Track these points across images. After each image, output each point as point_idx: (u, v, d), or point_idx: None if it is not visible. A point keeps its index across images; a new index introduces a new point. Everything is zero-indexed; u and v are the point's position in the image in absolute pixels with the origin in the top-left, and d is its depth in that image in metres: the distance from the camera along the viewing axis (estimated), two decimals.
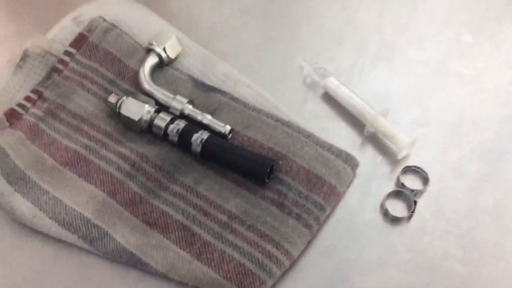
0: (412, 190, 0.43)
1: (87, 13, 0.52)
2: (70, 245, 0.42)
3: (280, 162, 0.43)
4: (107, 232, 0.41)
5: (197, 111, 0.46)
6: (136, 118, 0.44)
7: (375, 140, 0.47)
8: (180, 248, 0.40)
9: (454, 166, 0.45)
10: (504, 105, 0.48)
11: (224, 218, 0.41)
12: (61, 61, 0.49)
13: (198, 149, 0.43)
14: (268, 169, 0.42)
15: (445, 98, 0.49)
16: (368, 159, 0.46)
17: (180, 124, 0.44)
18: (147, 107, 0.45)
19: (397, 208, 0.43)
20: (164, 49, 0.48)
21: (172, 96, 0.46)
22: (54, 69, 0.49)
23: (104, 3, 0.53)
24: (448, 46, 0.52)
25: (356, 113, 0.47)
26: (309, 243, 0.41)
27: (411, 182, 0.44)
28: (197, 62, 0.50)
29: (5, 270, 0.41)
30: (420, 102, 0.49)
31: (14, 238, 0.42)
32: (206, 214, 0.41)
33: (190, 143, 0.43)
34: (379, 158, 0.46)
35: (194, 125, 0.45)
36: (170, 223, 0.41)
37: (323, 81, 0.49)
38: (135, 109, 0.45)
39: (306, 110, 0.49)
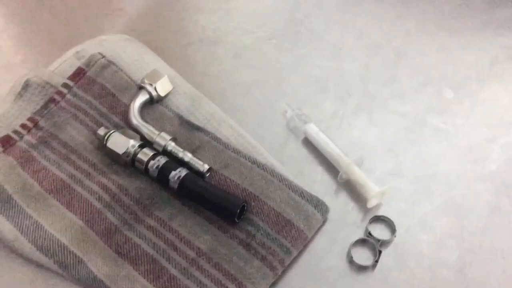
0: (378, 240, 0.45)
1: (88, 48, 0.55)
2: (48, 268, 0.44)
3: (252, 203, 0.45)
4: (81, 259, 0.43)
5: (179, 148, 0.48)
6: (121, 152, 0.47)
7: (349, 188, 0.48)
8: (147, 280, 0.42)
9: (422, 219, 0.46)
10: (477, 163, 0.49)
11: (192, 254, 0.43)
12: (59, 93, 0.52)
13: (175, 185, 0.45)
14: (239, 210, 0.44)
15: (420, 151, 0.51)
16: (339, 206, 0.48)
17: (161, 160, 0.46)
18: (131, 142, 0.47)
19: (363, 256, 0.45)
20: (155, 87, 0.51)
21: (157, 132, 0.49)
22: (52, 100, 0.52)
23: (105, 40, 0.56)
24: (429, 100, 0.54)
25: (332, 159, 0.49)
26: (273, 285, 0.43)
27: (379, 231, 0.46)
28: (186, 101, 0.53)
29: None
30: (395, 154, 0.50)
31: None
32: (175, 249, 0.43)
33: (168, 179, 0.45)
34: (351, 205, 0.48)
35: (175, 162, 0.47)
36: (140, 255, 0.43)
37: (303, 126, 0.51)
38: (121, 143, 0.47)
39: (285, 153, 0.51)
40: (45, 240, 0.44)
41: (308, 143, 0.51)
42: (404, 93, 0.55)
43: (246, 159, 0.48)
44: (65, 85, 0.52)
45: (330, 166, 0.50)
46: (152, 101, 0.52)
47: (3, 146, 0.49)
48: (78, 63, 0.54)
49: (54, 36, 0.61)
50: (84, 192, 0.46)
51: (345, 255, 0.45)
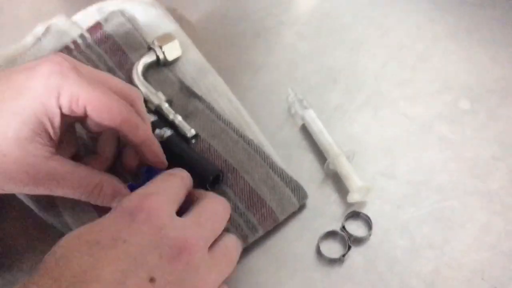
0: (351, 235, 0.42)
1: (111, 5, 0.56)
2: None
3: (229, 175, 0.44)
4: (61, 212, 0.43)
5: (171, 110, 0.48)
6: None
7: (335, 180, 0.46)
8: None
9: (403, 224, 0.44)
10: (478, 178, 0.46)
11: None
12: (74, 42, 0.54)
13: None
14: (212, 177, 0.43)
15: (419, 157, 0.48)
16: (321, 196, 0.46)
17: (150, 118, 0.46)
18: None
19: (332, 249, 0.43)
20: (162, 50, 0.52)
21: (154, 91, 0.49)
22: (66, 47, 0.54)
23: (130, 1, 0.57)
24: (441, 108, 0.51)
25: (323, 148, 0.47)
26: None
27: (355, 227, 0.44)
28: (193, 70, 0.53)
29: None
30: (392, 155, 0.48)
31: None
32: None
33: None
34: (333, 198, 0.46)
35: (165, 123, 0.47)
36: None
37: (302, 112, 0.50)
38: None
39: (280, 136, 0.50)
40: None
41: (305, 131, 0.50)
42: (417, 97, 0.52)
43: (234, 131, 0.47)
44: (81, 36, 0.54)
45: (322, 156, 0.48)
46: (159, 63, 0.52)
47: None
48: (98, 17, 0.55)
49: None
50: None
51: (314, 246, 0.43)
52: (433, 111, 0.51)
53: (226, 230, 0.41)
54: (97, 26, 0.54)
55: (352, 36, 0.57)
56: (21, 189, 0.38)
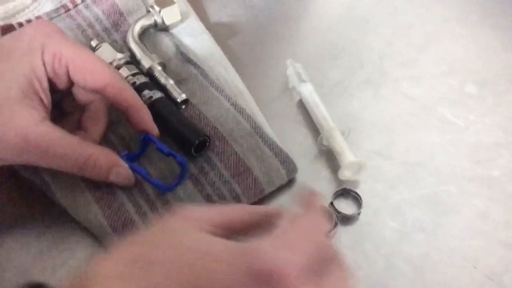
0: (338, 212, 0.40)
1: None
2: None
3: (217, 142, 0.43)
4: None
5: (163, 73, 0.46)
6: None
7: (329, 157, 0.44)
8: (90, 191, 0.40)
9: (396, 205, 0.41)
10: (479, 164, 0.44)
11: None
12: (73, 1, 0.52)
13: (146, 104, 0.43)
14: (197, 141, 0.41)
15: (418, 138, 0.45)
16: (312, 171, 0.44)
17: (140, 79, 0.45)
18: (118, 55, 0.46)
19: None
20: (161, 13, 0.50)
21: (148, 53, 0.47)
22: (64, 6, 0.52)
23: None
24: (446, 91, 0.49)
25: (317, 122, 0.45)
26: None
27: (344, 205, 0.42)
28: (191, 36, 0.51)
29: None
30: (390, 134, 0.46)
31: None
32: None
33: (140, 97, 0.44)
34: (324, 174, 0.44)
35: (156, 85, 0.46)
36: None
37: (299, 85, 0.48)
38: (107, 54, 0.46)
39: (275, 108, 0.48)
40: None
41: (302, 106, 0.48)
42: (421, 78, 0.50)
43: (226, 99, 0.45)
44: None
45: (317, 132, 0.46)
46: (156, 27, 0.51)
47: (2, 33, 0.49)
48: None
49: None
50: None
51: None
52: (437, 94, 0.48)
53: (212, 201, 0.39)
54: None
55: (358, 14, 0.55)
56: (9, 155, 0.36)
